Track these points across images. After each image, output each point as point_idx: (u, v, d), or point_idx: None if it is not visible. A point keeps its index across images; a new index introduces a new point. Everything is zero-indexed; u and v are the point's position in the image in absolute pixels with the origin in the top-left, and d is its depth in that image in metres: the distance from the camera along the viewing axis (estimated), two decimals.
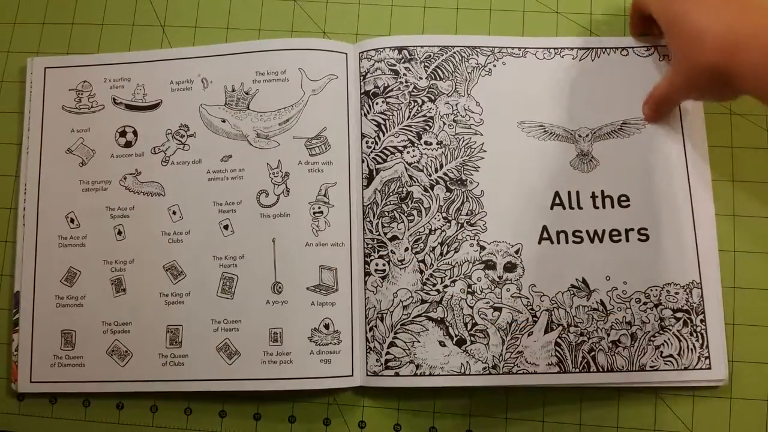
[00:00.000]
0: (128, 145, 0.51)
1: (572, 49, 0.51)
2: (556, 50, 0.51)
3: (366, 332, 0.47)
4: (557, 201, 0.48)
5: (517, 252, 0.48)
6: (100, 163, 0.51)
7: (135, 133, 0.51)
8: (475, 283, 0.47)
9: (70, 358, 0.49)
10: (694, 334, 0.46)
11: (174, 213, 0.50)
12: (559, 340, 0.46)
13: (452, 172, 0.49)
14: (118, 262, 0.50)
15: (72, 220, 0.50)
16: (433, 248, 0.48)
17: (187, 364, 0.48)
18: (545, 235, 0.48)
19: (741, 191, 0.49)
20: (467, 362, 0.46)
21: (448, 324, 0.47)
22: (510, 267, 0.47)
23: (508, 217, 0.48)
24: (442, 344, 0.47)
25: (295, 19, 0.54)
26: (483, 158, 0.49)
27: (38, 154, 0.51)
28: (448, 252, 0.48)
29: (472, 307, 0.47)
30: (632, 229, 0.47)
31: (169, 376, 0.48)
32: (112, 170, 0.51)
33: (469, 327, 0.47)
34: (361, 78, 0.51)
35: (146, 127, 0.51)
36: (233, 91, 0.51)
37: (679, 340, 0.46)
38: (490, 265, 0.48)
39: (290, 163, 0.49)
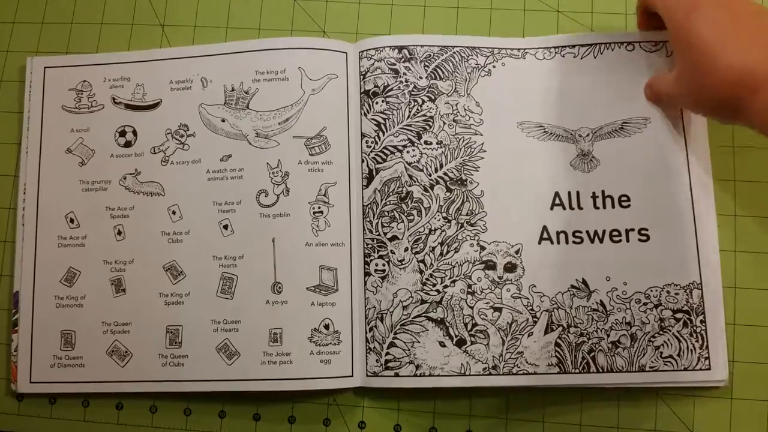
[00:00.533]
0: (128, 144, 0.51)
1: (574, 47, 0.50)
2: (557, 49, 0.50)
3: (366, 332, 0.47)
4: (557, 201, 0.48)
5: (517, 252, 0.47)
6: (99, 162, 0.51)
7: (134, 132, 0.51)
8: (475, 284, 0.47)
9: (69, 359, 0.49)
10: (694, 335, 0.46)
11: (174, 213, 0.50)
12: (559, 340, 0.46)
13: (452, 172, 0.49)
14: (117, 262, 0.50)
15: (72, 220, 0.50)
16: (433, 248, 0.48)
17: (187, 364, 0.48)
18: (545, 236, 0.48)
19: (742, 191, 0.49)
20: (467, 363, 0.46)
21: (448, 324, 0.47)
22: (510, 267, 0.47)
23: (508, 218, 0.48)
24: (442, 344, 0.46)
25: (294, 19, 0.54)
26: (483, 158, 0.49)
27: (38, 153, 0.51)
28: (448, 252, 0.48)
29: (472, 308, 0.47)
30: (632, 230, 0.47)
31: (169, 377, 0.48)
32: (111, 170, 0.51)
33: (469, 327, 0.47)
34: (361, 77, 0.50)
35: (146, 127, 0.51)
36: (233, 90, 0.51)
37: (679, 341, 0.46)
38: (490, 266, 0.47)
39: (290, 163, 0.49)
